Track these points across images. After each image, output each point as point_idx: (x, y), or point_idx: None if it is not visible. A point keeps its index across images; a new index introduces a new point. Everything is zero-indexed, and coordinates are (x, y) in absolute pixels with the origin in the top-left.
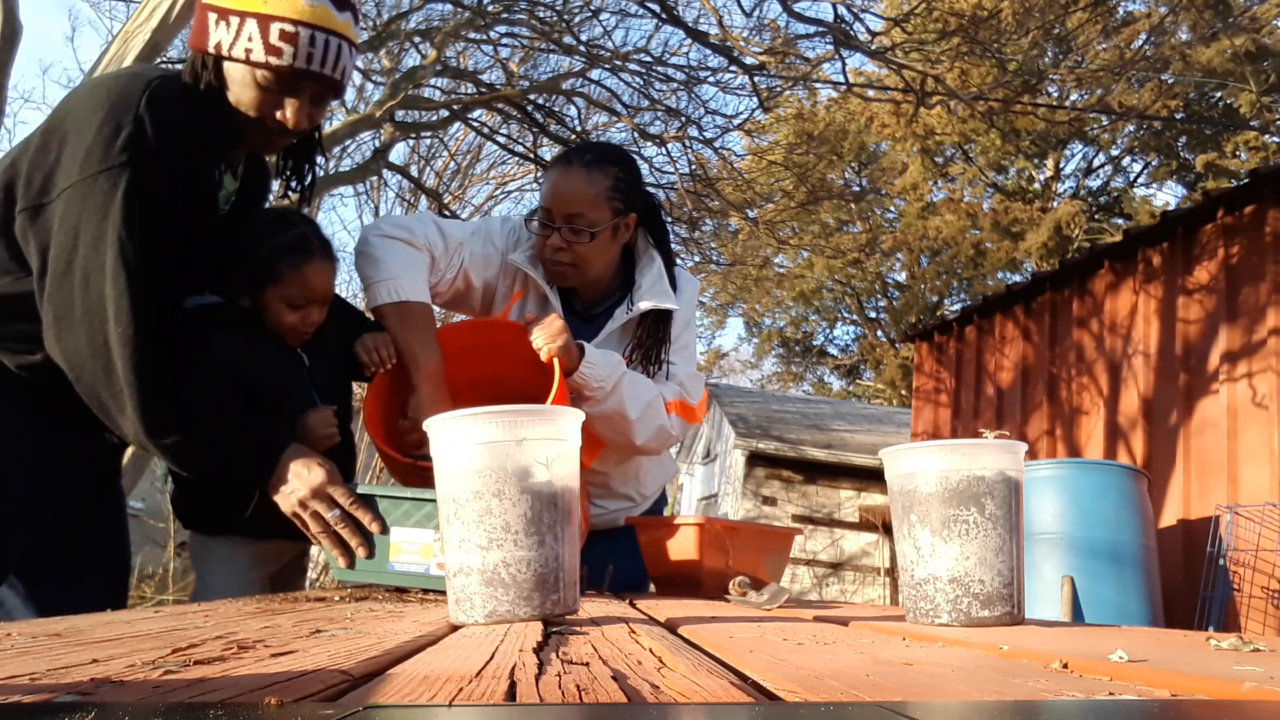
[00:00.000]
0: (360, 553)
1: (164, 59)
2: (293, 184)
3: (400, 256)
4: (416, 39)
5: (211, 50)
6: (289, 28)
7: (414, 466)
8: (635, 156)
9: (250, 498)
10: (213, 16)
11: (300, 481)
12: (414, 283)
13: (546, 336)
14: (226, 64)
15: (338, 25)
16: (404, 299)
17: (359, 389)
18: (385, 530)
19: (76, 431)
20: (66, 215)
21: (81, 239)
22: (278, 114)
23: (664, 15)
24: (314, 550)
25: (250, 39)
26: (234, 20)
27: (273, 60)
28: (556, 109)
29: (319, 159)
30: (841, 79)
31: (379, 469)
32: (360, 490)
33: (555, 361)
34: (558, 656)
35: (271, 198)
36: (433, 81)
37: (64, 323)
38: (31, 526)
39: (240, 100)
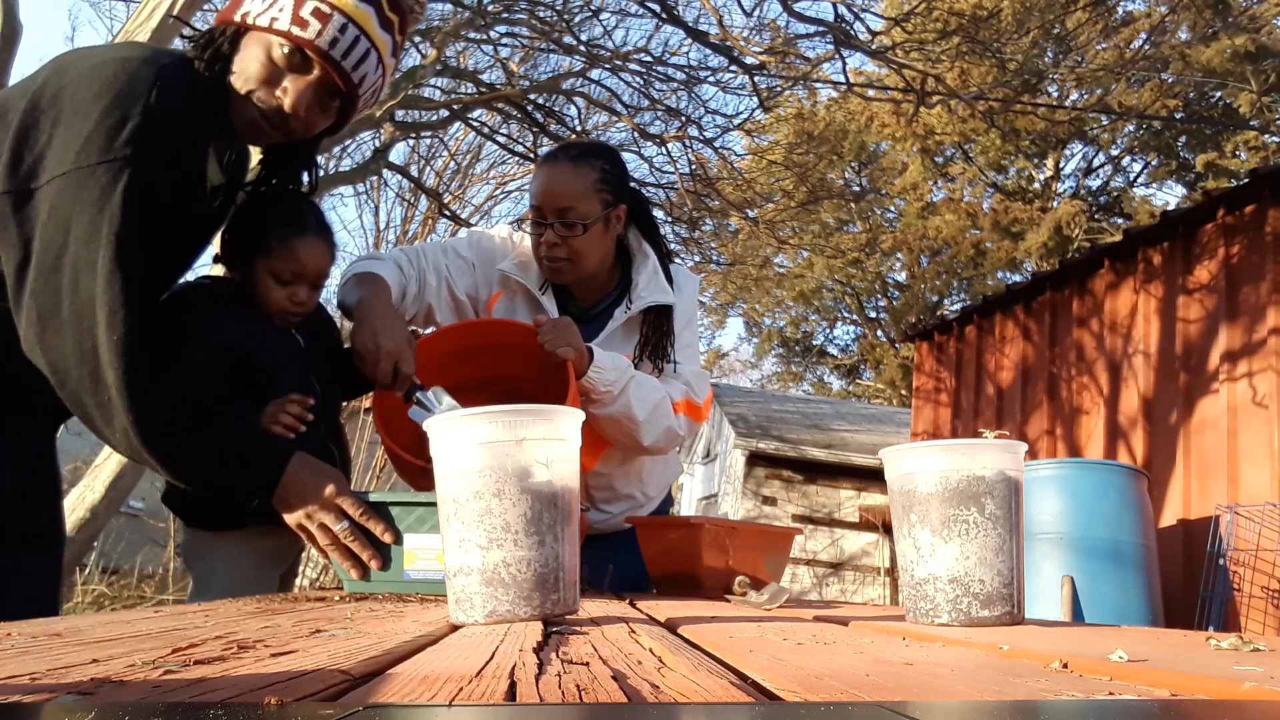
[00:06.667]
0: (372, 565)
1: None
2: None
3: (365, 266)
4: (416, 39)
5: (237, 19)
6: (324, 8)
7: (423, 469)
8: (635, 156)
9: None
10: None
11: (306, 493)
12: (367, 269)
13: (559, 340)
14: (246, 36)
15: (373, 32)
16: (354, 273)
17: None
18: (399, 540)
19: (9, 413)
20: (58, 206)
21: (73, 234)
22: (277, 90)
23: (664, 15)
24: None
25: (281, 9)
26: None
27: (295, 30)
28: (556, 109)
29: (317, 157)
30: (841, 79)
31: (379, 468)
32: (371, 498)
33: (569, 365)
34: (558, 656)
35: None
36: (433, 81)
37: (49, 324)
38: None
39: (245, 71)
